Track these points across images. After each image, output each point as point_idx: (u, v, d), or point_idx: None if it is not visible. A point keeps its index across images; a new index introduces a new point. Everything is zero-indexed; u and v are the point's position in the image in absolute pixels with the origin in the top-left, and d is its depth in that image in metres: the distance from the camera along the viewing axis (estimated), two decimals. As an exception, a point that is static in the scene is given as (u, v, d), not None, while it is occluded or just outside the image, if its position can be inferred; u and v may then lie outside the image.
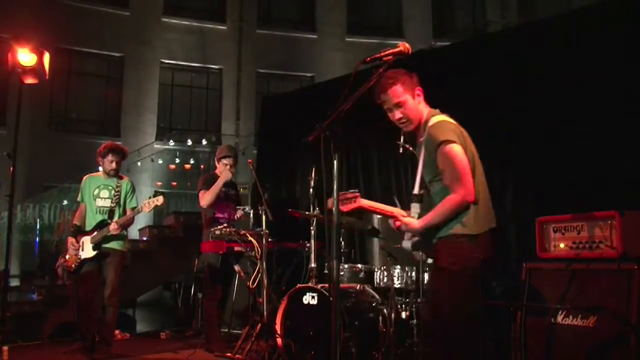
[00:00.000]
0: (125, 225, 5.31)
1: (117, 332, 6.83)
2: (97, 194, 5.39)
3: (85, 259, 5.20)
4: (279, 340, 4.60)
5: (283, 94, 11.70)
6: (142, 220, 14.82)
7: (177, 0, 16.96)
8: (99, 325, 5.24)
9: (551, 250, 4.06)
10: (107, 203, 5.29)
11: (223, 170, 5.60)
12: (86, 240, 5.23)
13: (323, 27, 17.55)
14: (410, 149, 4.77)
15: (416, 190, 2.96)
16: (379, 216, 6.73)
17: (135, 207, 5.34)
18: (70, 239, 5.32)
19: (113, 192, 5.34)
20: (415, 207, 2.96)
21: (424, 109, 3.01)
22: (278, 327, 4.65)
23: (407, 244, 2.98)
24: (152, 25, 16.35)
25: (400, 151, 4.84)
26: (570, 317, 3.73)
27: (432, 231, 2.89)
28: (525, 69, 5.31)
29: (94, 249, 5.16)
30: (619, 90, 4.75)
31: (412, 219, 2.93)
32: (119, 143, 5.63)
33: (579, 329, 3.67)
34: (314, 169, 5.29)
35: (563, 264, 3.89)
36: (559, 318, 3.79)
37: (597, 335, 3.54)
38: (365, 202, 3.00)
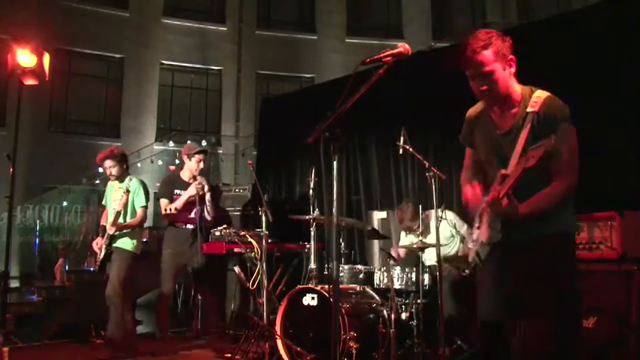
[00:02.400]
0: (123, 225, 5.27)
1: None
2: (114, 196, 5.45)
3: (102, 260, 5.28)
4: (278, 342, 4.60)
5: (283, 95, 11.71)
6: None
7: (177, 2, 16.97)
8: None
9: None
10: (116, 205, 5.32)
11: (195, 168, 5.46)
12: (102, 243, 5.33)
13: (323, 28, 17.57)
14: (410, 149, 4.78)
15: (510, 171, 2.44)
16: (379, 217, 6.77)
17: (143, 207, 5.33)
18: (96, 241, 5.42)
19: (122, 192, 5.34)
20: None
21: (514, 83, 2.60)
22: (278, 328, 4.65)
23: (497, 235, 2.49)
24: (152, 27, 16.36)
25: (400, 152, 4.85)
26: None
27: (527, 225, 2.45)
28: (525, 70, 5.31)
29: (105, 249, 5.24)
30: (619, 90, 4.75)
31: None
32: (115, 145, 5.59)
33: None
34: (313, 170, 5.29)
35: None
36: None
37: (597, 335, 3.55)
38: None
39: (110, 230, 5.19)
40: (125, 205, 5.29)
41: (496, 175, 2.51)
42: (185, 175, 5.58)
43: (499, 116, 2.65)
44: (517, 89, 2.59)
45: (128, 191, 5.25)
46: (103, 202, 5.74)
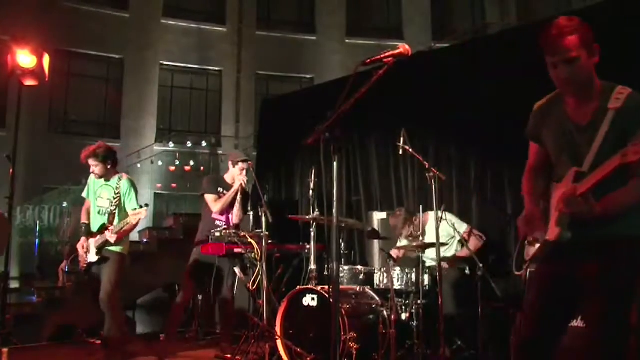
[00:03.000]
0: (122, 232, 5.05)
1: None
2: (99, 193, 5.25)
3: (91, 262, 5.11)
4: (278, 342, 4.60)
5: (282, 95, 11.70)
6: (142, 222, 14.84)
7: (177, 2, 16.99)
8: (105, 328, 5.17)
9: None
10: (107, 204, 5.15)
11: (238, 175, 5.51)
12: (92, 243, 5.12)
13: (323, 29, 17.58)
14: (410, 150, 4.78)
15: (586, 168, 2.33)
16: (379, 218, 6.77)
17: (135, 209, 5.09)
18: (82, 240, 5.21)
19: (113, 193, 5.17)
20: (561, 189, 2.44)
21: (595, 73, 2.43)
22: (278, 329, 4.65)
23: (567, 234, 2.37)
24: (152, 28, 16.37)
25: (400, 153, 4.85)
26: (570, 318, 3.72)
27: (595, 225, 2.32)
28: (525, 70, 5.31)
29: (97, 253, 5.06)
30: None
31: None
32: (100, 142, 5.40)
33: (578, 330, 3.67)
34: (313, 171, 5.29)
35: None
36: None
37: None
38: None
39: (112, 239, 4.97)
40: (119, 206, 5.13)
41: (566, 173, 2.40)
42: (228, 178, 5.65)
43: (574, 109, 2.48)
44: (597, 82, 2.45)
45: (132, 189, 5.16)
46: (84, 195, 5.45)
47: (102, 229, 5.09)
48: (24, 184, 12.83)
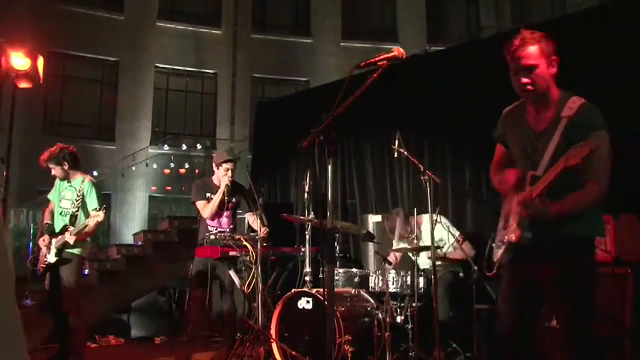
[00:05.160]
0: (83, 234, 4.93)
1: (111, 337, 6.82)
2: (63, 194, 5.16)
3: (49, 264, 4.97)
4: (273, 345, 4.59)
5: (277, 98, 11.71)
6: (137, 225, 14.85)
7: (172, 5, 16.97)
8: (69, 335, 4.97)
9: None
10: (68, 205, 5.06)
11: (223, 175, 5.39)
12: (53, 243, 4.99)
13: (318, 32, 17.59)
14: (405, 153, 4.79)
15: (540, 172, 2.54)
16: (375, 221, 6.77)
17: (95, 209, 4.95)
18: (43, 238, 5.08)
19: (75, 194, 5.06)
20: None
21: (554, 84, 2.65)
22: (273, 332, 4.64)
23: (528, 235, 2.55)
24: (147, 30, 16.34)
25: (395, 155, 4.85)
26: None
27: (554, 225, 2.52)
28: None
29: (56, 254, 4.94)
30: (613, 93, 4.77)
31: None
32: (58, 144, 5.32)
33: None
34: (308, 174, 5.28)
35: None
36: (553, 322, 3.80)
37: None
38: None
39: (71, 240, 4.84)
40: (81, 207, 5.02)
41: (526, 175, 2.59)
42: (216, 181, 5.52)
43: (534, 117, 2.69)
44: (555, 91, 2.64)
45: (93, 191, 5.04)
46: (49, 196, 5.37)
47: (64, 230, 4.99)
48: (18, 187, 12.77)
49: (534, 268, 2.58)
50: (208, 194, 5.44)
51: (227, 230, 5.37)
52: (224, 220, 5.48)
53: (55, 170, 5.16)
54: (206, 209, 5.34)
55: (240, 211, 5.61)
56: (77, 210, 5.02)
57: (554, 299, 2.57)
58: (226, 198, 5.37)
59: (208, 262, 5.15)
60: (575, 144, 2.38)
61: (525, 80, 2.57)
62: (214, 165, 5.54)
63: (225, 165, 5.38)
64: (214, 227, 5.39)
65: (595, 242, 2.62)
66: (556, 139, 2.53)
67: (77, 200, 5.04)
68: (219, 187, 5.42)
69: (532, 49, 2.56)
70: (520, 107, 2.80)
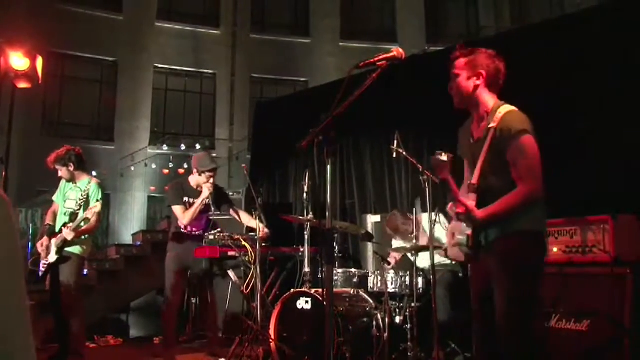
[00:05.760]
0: (83, 230, 4.98)
1: (110, 337, 6.81)
2: (68, 195, 5.19)
3: (50, 264, 4.98)
4: (272, 345, 4.59)
5: (276, 98, 11.69)
6: (136, 225, 14.85)
7: (171, 5, 16.97)
8: (69, 336, 5.00)
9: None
10: (72, 205, 5.08)
11: (204, 184, 5.20)
12: (53, 243, 5.00)
13: (317, 32, 17.59)
14: (404, 153, 4.79)
15: (475, 180, 2.76)
16: (373, 221, 6.77)
17: (98, 212, 5.00)
18: (41, 242, 5.09)
19: (80, 194, 5.08)
20: (471, 198, 2.78)
21: (486, 96, 2.85)
22: (272, 332, 4.64)
23: (462, 238, 2.78)
24: (146, 30, 16.34)
25: (394, 155, 4.85)
26: (564, 321, 3.74)
27: (492, 227, 2.73)
28: (519, 73, 5.33)
29: (56, 253, 4.95)
30: (611, 94, 4.78)
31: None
32: (65, 146, 5.32)
33: (573, 332, 3.68)
34: (307, 174, 5.28)
35: (556, 268, 3.90)
36: (553, 322, 3.80)
37: (591, 338, 3.55)
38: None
39: (69, 236, 4.87)
40: (83, 207, 5.02)
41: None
42: (192, 182, 5.36)
43: (475, 128, 2.93)
44: (488, 102, 2.84)
45: (97, 192, 5.05)
46: (53, 198, 5.38)
47: (63, 227, 5.01)
48: (17, 187, 12.76)
49: (484, 266, 2.78)
50: (186, 199, 5.28)
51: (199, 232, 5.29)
52: (203, 223, 5.35)
53: (62, 172, 5.18)
54: (186, 215, 5.16)
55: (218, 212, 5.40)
56: (79, 209, 5.04)
57: (496, 293, 2.70)
58: (210, 203, 5.21)
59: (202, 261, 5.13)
60: (501, 153, 2.66)
61: (450, 85, 2.90)
62: (194, 169, 5.35)
63: (208, 174, 5.23)
64: (189, 232, 5.28)
65: (540, 238, 2.75)
66: (485, 148, 2.74)
67: (80, 200, 5.06)
68: (197, 191, 5.27)
69: (460, 61, 2.86)
70: (469, 120, 3.02)
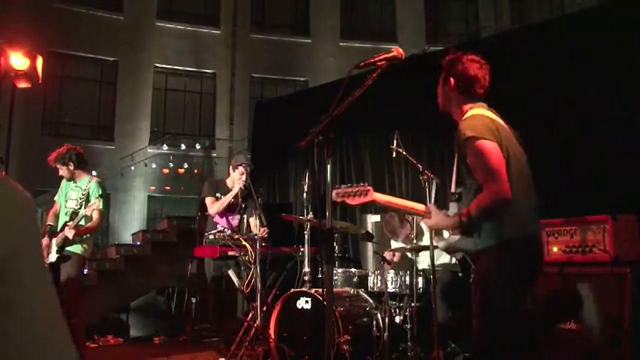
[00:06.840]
0: (85, 229, 4.99)
1: (110, 337, 6.82)
2: (69, 195, 5.19)
3: (51, 263, 4.93)
4: (272, 345, 4.59)
5: (276, 98, 11.69)
6: (136, 224, 14.85)
7: (171, 5, 16.95)
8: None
9: (544, 254, 4.08)
10: (73, 204, 5.07)
11: (237, 178, 5.50)
12: (53, 243, 4.99)
13: (317, 32, 17.59)
14: (404, 153, 4.79)
15: (453, 189, 2.81)
16: (373, 221, 6.77)
17: (100, 210, 5.03)
18: (43, 240, 5.05)
19: (80, 193, 5.09)
20: (453, 207, 2.77)
21: (458, 102, 2.84)
22: (272, 332, 4.64)
23: (442, 244, 2.85)
24: (146, 30, 16.33)
25: (394, 155, 4.85)
26: (564, 321, 3.74)
27: (477, 239, 2.70)
28: (519, 73, 5.34)
29: (57, 252, 4.93)
30: (610, 94, 4.78)
31: (443, 216, 2.77)
32: (66, 145, 5.34)
33: (572, 332, 3.68)
34: (307, 174, 5.28)
35: (556, 267, 3.91)
36: (553, 322, 3.80)
37: (591, 338, 3.56)
38: (379, 196, 2.78)
39: (70, 234, 4.86)
40: (83, 206, 5.01)
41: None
42: (229, 183, 5.69)
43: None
44: (459, 108, 2.85)
45: (98, 191, 5.07)
46: (55, 198, 5.39)
47: (63, 227, 5.01)
48: (16, 187, 12.73)
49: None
50: (218, 194, 5.60)
51: (228, 230, 5.42)
52: (235, 222, 5.63)
53: (62, 171, 5.19)
54: (214, 205, 5.50)
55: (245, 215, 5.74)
56: (80, 208, 5.04)
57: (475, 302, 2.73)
58: (239, 200, 5.53)
59: (222, 265, 5.22)
60: (461, 160, 2.70)
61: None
62: (230, 167, 5.76)
63: (240, 169, 5.50)
64: (223, 226, 5.50)
65: (514, 247, 2.60)
66: (455, 156, 2.78)
67: (81, 199, 5.07)
68: (229, 189, 5.58)
69: (442, 66, 2.94)
70: None
